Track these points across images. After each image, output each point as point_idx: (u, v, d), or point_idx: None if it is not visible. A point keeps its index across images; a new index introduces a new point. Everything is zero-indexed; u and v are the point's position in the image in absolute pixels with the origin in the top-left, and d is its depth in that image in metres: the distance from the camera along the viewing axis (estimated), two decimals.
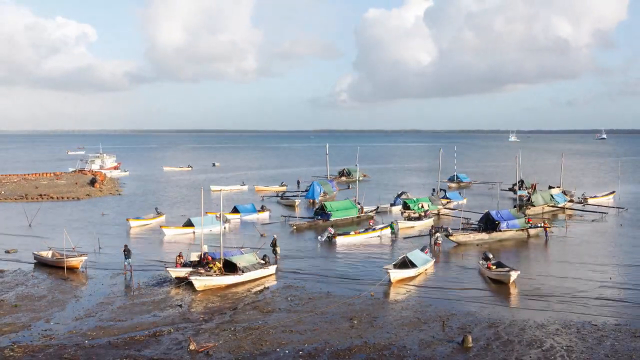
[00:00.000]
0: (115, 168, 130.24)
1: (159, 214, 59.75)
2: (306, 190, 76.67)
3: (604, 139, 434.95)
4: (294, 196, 76.00)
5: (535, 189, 70.42)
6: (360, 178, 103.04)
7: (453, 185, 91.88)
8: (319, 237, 48.34)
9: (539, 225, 50.43)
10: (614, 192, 76.80)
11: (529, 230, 48.68)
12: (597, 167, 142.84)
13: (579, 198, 70.35)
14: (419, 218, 56.13)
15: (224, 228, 51.94)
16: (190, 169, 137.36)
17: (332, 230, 48.57)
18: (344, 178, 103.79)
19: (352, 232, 49.61)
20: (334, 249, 45.06)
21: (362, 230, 50.68)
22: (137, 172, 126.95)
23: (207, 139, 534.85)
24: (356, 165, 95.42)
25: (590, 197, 71.50)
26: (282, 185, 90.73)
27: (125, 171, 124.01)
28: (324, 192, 75.23)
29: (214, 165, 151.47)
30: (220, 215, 45.57)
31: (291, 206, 69.80)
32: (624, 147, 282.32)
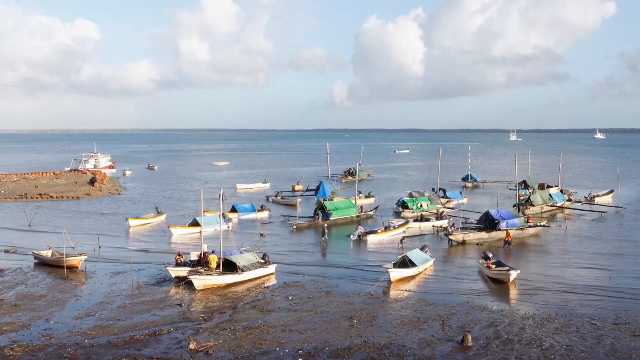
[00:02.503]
0: (110, 167, 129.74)
1: (159, 213, 59.73)
2: (314, 190, 76.57)
3: (595, 138, 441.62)
4: (293, 196, 75.98)
5: (544, 188, 70.53)
6: (365, 177, 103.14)
7: (469, 184, 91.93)
8: (351, 236, 48.36)
9: (539, 224, 50.50)
10: (612, 191, 76.90)
11: (529, 229, 48.70)
12: (595, 166, 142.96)
13: (585, 197, 70.57)
14: (426, 219, 55.78)
15: (228, 227, 52.01)
16: (154, 168, 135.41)
17: (362, 229, 48.82)
18: (350, 178, 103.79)
19: (379, 231, 49.68)
20: (334, 249, 45.04)
21: (390, 228, 51.04)
22: (139, 171, 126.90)
23: (235, 138, 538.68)
24: (360, 164, 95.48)
25: (595, 196, 71.67)
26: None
27: (129, 170, 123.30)
28: (332, 192, 75.14)
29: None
30: (221, 214, 45.55)
31: (293, 206, 69.71)
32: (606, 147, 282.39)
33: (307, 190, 79.58)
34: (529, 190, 71.99)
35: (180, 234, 50.47)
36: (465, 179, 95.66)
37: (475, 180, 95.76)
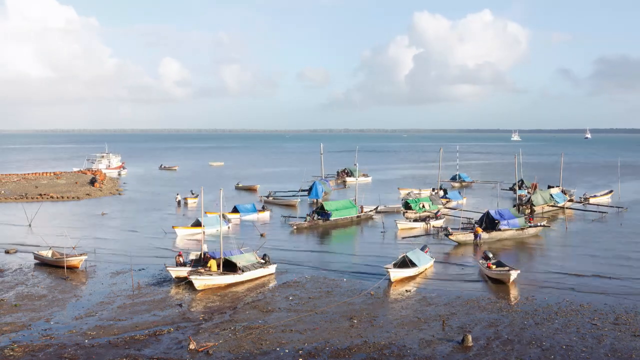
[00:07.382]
0: (120, 167, 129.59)
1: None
2: (307, 190, 76.49)
3: (587, 138, 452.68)
4: (292, 196, 75.86)
5: (536, 188, 70.50)
6: (359, 177, 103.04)
7: (456, 184, 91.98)
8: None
9: (539, 224, 50.45)
10: (612, 191, 76.90)
11: (529, 229, 48.69)
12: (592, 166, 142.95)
13: (580, 197, 70.61)
14: (423, 219, 55.59)
15: (228, 228, 51.98)
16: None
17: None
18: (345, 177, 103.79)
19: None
20: (334, 249, 45.03)
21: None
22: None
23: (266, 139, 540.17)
24: (355, 164, 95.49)
25: (591, 196, 71.70)
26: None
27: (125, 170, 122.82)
28: (324, 192, 75.08)
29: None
30: (221, 215, 45.53)
31: (291, 206, 69.66)
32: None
33: (302, 190, 79.11)
34: (525, 189, 72.06)
35: (184, 235, 50.38)
36: (453, 179, 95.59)
37: (464, 180, 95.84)
